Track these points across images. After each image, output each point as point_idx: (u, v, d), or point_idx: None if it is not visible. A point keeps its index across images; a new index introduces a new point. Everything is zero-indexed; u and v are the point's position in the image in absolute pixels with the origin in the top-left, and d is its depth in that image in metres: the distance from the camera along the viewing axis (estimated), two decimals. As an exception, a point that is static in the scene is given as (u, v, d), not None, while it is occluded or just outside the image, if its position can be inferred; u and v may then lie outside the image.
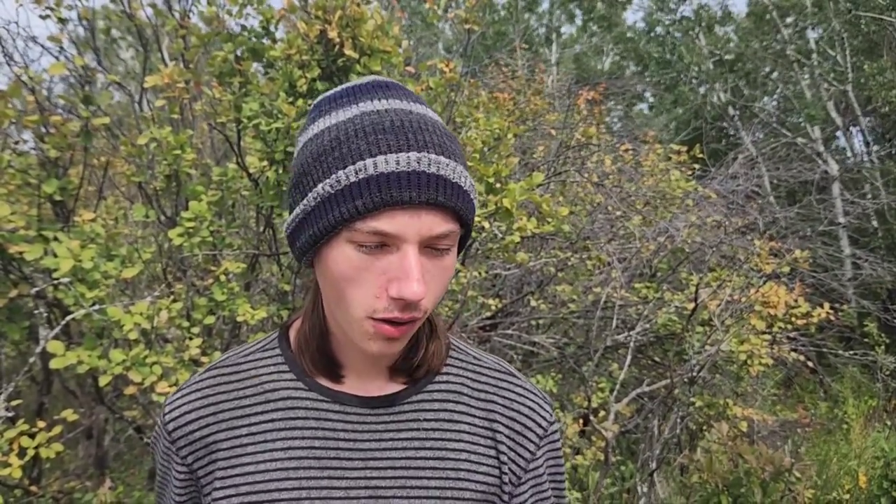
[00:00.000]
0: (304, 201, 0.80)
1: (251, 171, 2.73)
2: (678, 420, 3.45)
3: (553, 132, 4.76)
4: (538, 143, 4.92)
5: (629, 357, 3.36)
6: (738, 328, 4.03)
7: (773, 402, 7.60)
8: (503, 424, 0.95)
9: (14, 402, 2.61)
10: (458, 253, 0.87)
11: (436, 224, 0.77)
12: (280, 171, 2.67)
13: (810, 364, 5.47)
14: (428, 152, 0.76)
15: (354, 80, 0.88)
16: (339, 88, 0.87)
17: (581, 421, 4.32)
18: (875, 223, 11.33)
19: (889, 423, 6.98)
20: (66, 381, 4.14)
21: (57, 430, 2.71)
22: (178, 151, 2.49)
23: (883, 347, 8.12)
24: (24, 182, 2.56)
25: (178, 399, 0.94)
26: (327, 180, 0.77)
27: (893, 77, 9.83)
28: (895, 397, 7.75)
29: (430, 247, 0.79)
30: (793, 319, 4.28)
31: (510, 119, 4.21)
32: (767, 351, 4.16)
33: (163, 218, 2.84)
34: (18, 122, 2.48)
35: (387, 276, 0.78)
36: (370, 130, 0.77)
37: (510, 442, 0.95)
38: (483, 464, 0.93)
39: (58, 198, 2.62)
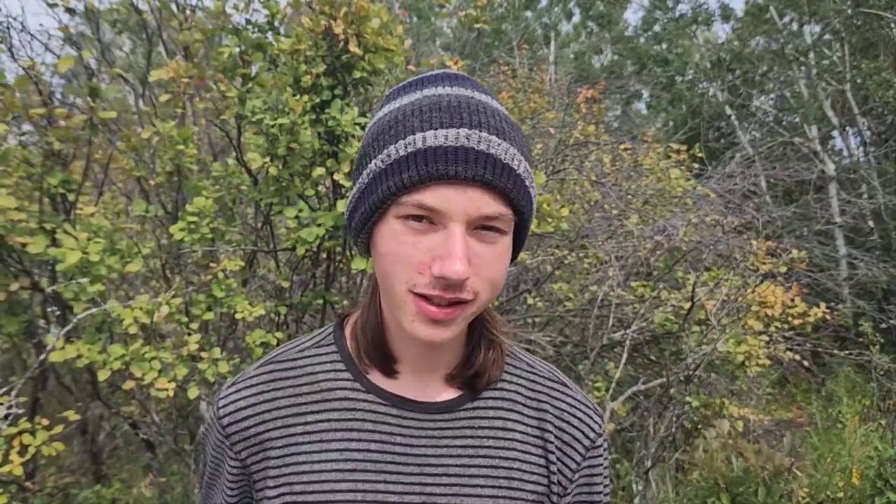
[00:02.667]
0: (360, 179, 0.82)
1: (251, 167, 2.73)
2: (674, 418, 3.47)
3: (552, 130, 4.77)
4: (537, 141, 4.92)
5: (625, 355, 3.38)
6: (734, 328, 4.04)
7: (768, 402, 7.63)
8: (553, 434, 0.96)
9: (22, 399, 2.61)
10: (517, 248, 0.86)
11: (484, 203, 0.75)
12: (281, 167, 2.68)
13: (806, 363, 5.50)
14: (480, 130, 0.75)
15: (427, 73, 0.88)
16: (411, 79, 0.87)
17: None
18: (871, 223, 11.36)
19: (883, 422, 7.01)
20: (62, 377, 4.13)
21: (58, 428, 2.72)
22: (182, 146, 2.49)
23: (878, 347, 8.15)
24: (26, 175, 2.56)
25: (233, 393, 0.94)
26: (381, 154, 0.78)
27: (891, 77, 9.85)
28: (889, 397, 7.78)
29: (480, 228, 0.78)
30: (789, 319, 4.30)
31: (513, 117, 4.21)
32: (765, 351, 4.18)
33: (161, 213, 2.84)
34: (20, 114, 2.48)
35: (431, 253, 0.77)
36: (426, 109, 0.77)
37: (559, 452, 0.96)
38: (534, 472, 0.93)
39: (60, 191, 2.62)
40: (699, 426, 3.88)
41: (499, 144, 0.75)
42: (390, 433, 0.90)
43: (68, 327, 2.48)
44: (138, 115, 2.63)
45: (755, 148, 11.32)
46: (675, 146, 6.21)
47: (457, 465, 0.91)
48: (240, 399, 0.93)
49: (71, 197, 2.77)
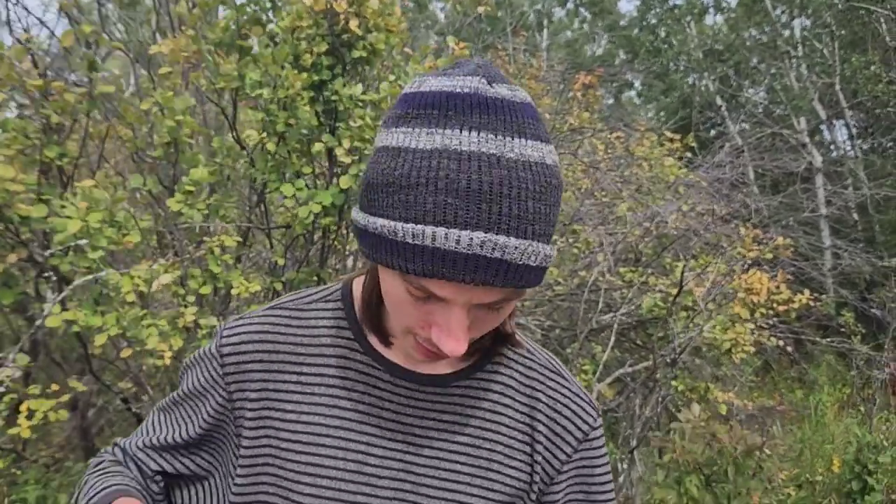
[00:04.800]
0: (366, 219, 0.76)
1: (249, 143, 2.76)
2: (659, 400, 3.54)
3: (547, 116, 4.81)
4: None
5: (612, 338, 3.44)
6: (721, 314, 4.12)
7: (751, 389, 7.75)
8: (543, 424, 0.95)
9: (22, 363, 2.64)
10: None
11: (488, 295, 0.73)
12: (278, 143, 2.70)
13: (789, 349, 5.60)
14: (496, 233, 0.68)
15: (453, 76, 0.76)
16: (432, 89, 0.75)
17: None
18: (856, 216, 11.51)
19: (862, 409, 7.15)
20: (52, 352, 4.14)
21: (65, 397, 2.75)
22: (181, 117, 2.51)
23: (859, 337, 8.29)
24: (24, 147, 2.58)
25: (238, 327, 0.94)
26: (388, 222, 0.72)
27: (880, 71, 9.95)
28: (869, 385, 7.92)
29: (482, 305, 0.76)
30: (774, 306, 4.38)
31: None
32: (751, 338, 4.26)
33: (157, 189, 2.86)
34: (17, 86, 2.49)
35: (430, 318, 0.77)
36: (442, 187, 0.68)
37: (547, 442, 0.95)
38: (516, 458, 0.93)
39: (58, 163, 2.63)
40: (681, 410, 3.97)
41: (517, 248, 0.69)
42: (380, 398, 0.91)
43: (66, 292, 2.51)
44: (136, 87, 2.64)
45: (744, 139, 11.41)
46: (668, 134, 6.26)
47: (440, 440, 0.91)
48: (243, 334, 0.94)
49: (68, 170, 2.79)
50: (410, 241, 0.69)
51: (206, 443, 0.98)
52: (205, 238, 3.03)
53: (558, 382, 0.97)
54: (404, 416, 0.91)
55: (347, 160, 2.73)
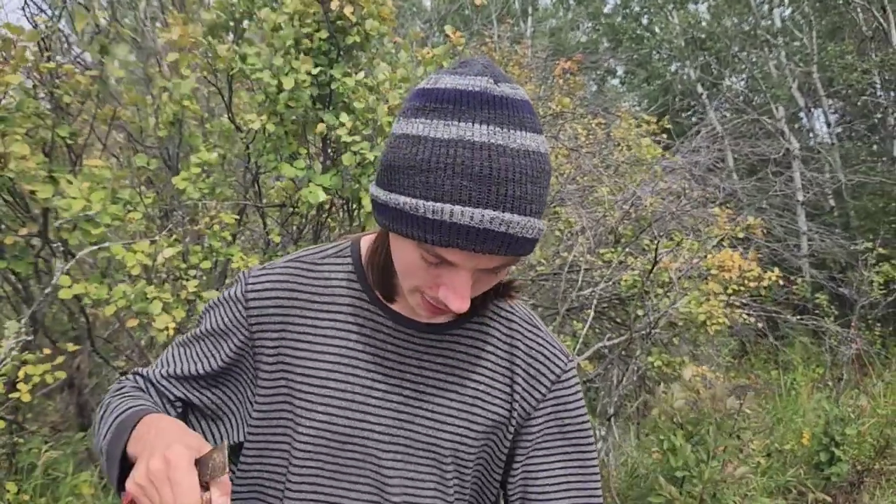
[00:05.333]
0: (387, 196, 0.88)
1: (249, 125, 2.90)
2: (635, 369, 3.75)
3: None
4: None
5: (591, 313, 3.63)
6: (695, 289, 4.33)
7: (728, 369, 7.97)
8: (522, 368, 1.09)
9: (22, 338, 2.78)
10: None
11: (492, 261, 0.88)
12: (277, 125, 2.86)
13: (762, 327, 5.82)
14: (503, 211, 0.82)
15: (464, 76, 0.88)
16: (448, 87, 0.87)
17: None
18: (832, 201, 11.79)
19: (830, 384, 7.42)
20: (49, 330, 4.25)
21: (60, 359, 2.90)
22: (187, 102, 2.65)
23: (832, 318, 8.56)
24: (34, 126, 2.71)
25: (263, 275, 1.08)
26: (409, 200, 0.84)
27: (854, 60, 10.19)
28: (836, 363, 8.20)
29: (484, 269, 0.90)
30: (745, 283, 4.60)
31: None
32: (724, 312, 4.47)
33: (161, 168, 3.01)
34: (30, 68, 2.62)
35: (439, 280, 0.91)
36: (458, 171, 0.82)
37: (525, 383, 1.08)
38: (497, 397, 1.07)
39: (69, 142, 2.77)
40: (660, 382, 4.18)
41: (519, 224, 0.83)
42: (383, 341, 1.05)
43: (72, 262, 2.64)
44: (144, 71, 2.77)
45: (724, 126, 11.65)
46: (646, 117, 6.45)
47: (433, 378, 1.05)
48: (267, 281, 1.08)
49: (77, 149, 2.93)
50: (430, 216, 0.82)
51: (225, 378, 1.11)
52: (203, 216, 3.18)
53: (535, 333, 1.12)
54: (404, 357, 1.05)
55: (349, 140, 2.88)
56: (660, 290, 4.22)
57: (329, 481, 1.04)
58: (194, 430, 1.13)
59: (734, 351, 8.88)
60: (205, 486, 0.83)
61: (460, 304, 0.89)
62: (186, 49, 2.75)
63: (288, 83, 2.54)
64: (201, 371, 1.10)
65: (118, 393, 1.11)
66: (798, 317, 7.50)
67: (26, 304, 3.65)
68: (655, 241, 3.91)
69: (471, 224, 0.81)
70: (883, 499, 5.66)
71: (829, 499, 5.15)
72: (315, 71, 2.67)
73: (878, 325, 9.18)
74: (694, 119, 12.33)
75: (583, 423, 1.13)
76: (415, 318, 1.06)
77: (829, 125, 12.62)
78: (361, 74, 2.71)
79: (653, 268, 3.83)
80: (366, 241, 1.10)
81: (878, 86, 11.19)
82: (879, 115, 11.74)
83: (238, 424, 1.12)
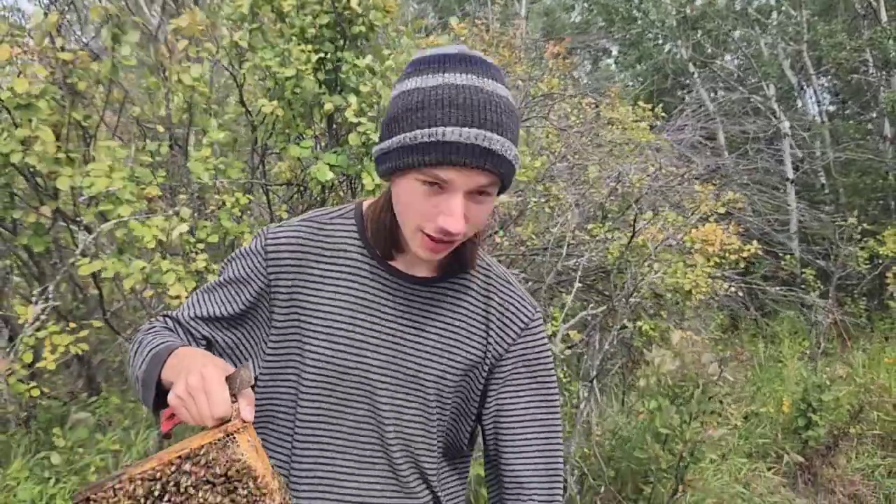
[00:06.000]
0: (390, 141, 1.09)
1: (260, 108, 3.11)
2: (616, 333, 3.99)
3: (521, 83, 5.17)
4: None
5: (576, 283, 3.86)
6: (680, 262, 4.56)
7: (716, 342, 8.21)
8: (495, 316, 1.28)
9: (49, 304, 3.00)
10: (500, 193, 1.19)
11: (481, 179, 1.06)
12: (286, 109, 3.07)
13: (743, 298, 6.04)
14: (486, 129, 1.03)
15: (445, 48, 1.11)
16: (432, 53, 1.11)
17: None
18: (823, 179, 11.97)
19: (809, 356, 7.67)
20: (60, 309, 4.45)
21: (83, 332, 3.13)
22: (202, 87, 2.86)
23: (817, 292, 8.80)
24: (52, 111, 2.91)
25: (280, 231, 1.27)
26: (408, 133, 1.05)
27: (843, 39, 10.33)
28: (826, 339, 8.46)
29: (473, 192, 1.08)
30: (727, 255, 4.84)
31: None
32: (708, 281, 4.70)
33: (171, 151, 3.22)
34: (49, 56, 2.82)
35: (438, 209, 1.08)
36: (446, 103, 1.03)
37: (498, 330, 1.28)
38: (474, 340, 1.27)
39: (84, 125, 2.98)
40: (643, 352, 4.41)
41: (498, 141, 1.03)
42: (380, 290, 1.24)
43: (93, 235, 2.85)
44: (154, 57, 2.97)
45: (715, 105, 11.81)
46: (642, 104, 6.62)
47: (420, 323, 1.25)
48: (283, 237, 1.26)
49: (91, 130, 3.14)
50: (426, 139, 1.03)
51: (243, 321, 1.29)
52: (216, 196, 3.40)
53: (508, 287, 1.32)
54: (397, 305, 1.25)
55: (355, 120, 3.09)
56: (642, 263, 4.44)
57: (333, 405, 1.24)
58: None
59: (723, 325, 9.12)
60: (234, 398, 1.04)
61: (457, 225, 1.07)
62: (196, 37, 2.94)
63: (289, 72, 2.75)
64: (224, 313, 1.28)
65: (150, 331, 1.28)
66: (777, 288, 7.73)
67: (38, 281, 3.87)
68: (635, 214, 4.13)
69: (460, 140, 1.02)
70: (857, 461, 5.94)
71: (802, 459, 5.42)
72: (320, 56, 2.88)
73: (864, 298, 9.44)
74: (686, 99, 12.48)
75: (547, 365, 1.34)
76: (408, 273, 1.25)
77: (818, 103, 12.78)
78: (369, 58, 2.93)
79: (631, 238, 4.05)
80: (367, 205, 1.30)
81: (871, 63, 11.33)
82: (871, 94, 11.88)
83: (253, 361, 1.31)
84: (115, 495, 0.98)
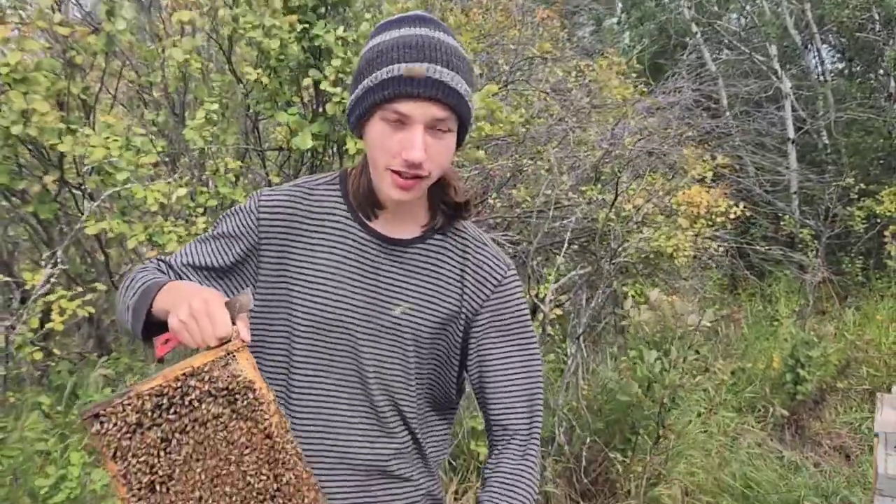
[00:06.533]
0: (356, 91, 1.24)
1: (248, 78, 3.22)
2: (603, 294, 4.14)
3: (512, 46, 5.24)
4: (499, 57, 5.39)
5: (566, 244, 3.99)
6: (664, 225, 4.69)
7: (714, 302, 8.35)
8: (470, 273, 1.38)
9: (59, 268, 3.15)
10: (460, 143, 1.31)
11: (437, 111, 1.19)
12: (272, 76, 3.18)
13: (737, 262, 6.15)
14: (436, 64, 1.17)
15: (404, 14, 1.29)
16: (394, 17, 1.27)
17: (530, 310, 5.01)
18: (825, 139, 11.97)
19: (800, 315, 7.80)
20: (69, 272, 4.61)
21: (90, 295, 3.29)
22: (190, 56, 2.97)
23: (814, 252, 8.92)
24: (51, 84, 3.04)
25: (272, 195, 1.38)
26: (370, 77, 1.20)
27: (847, -3, 10.23)
28: (821, 300, 8.59)
29: (433, 128, 1.20)
30: (714, 217, 4.95)
31: (472, 34, 4.68)
32: (692, 244, 4.83)
33: (169, 120, 3.35)
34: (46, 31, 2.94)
35: (401, 145, 1.20)
36: (401, 45, 1.19)
37: (473, 286, 1.38)
38: (449, 295, 1.37)
39: (82, 97, 3.11)
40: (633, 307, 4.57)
41: (447, 74, 1.17)
42: (363, 250, 1.35)
43: (98, 201, 2.99)
44: (148, 29, 3.08)
45: (717, 65, 11.76)
46: (615, 58, 6.61)
47: (401, 281, 1.35)
48: (275, 198, 1.37)
49: (89, 103, 3.27)
50: (386, 76, 1.17)
51: (231, 274, 1.38)
52: (208, 161, 3.53)
53: (482, 248, 1.42)
54: (378, 263, 1.36)
55: (332, 91, 3.20)
56: (627, 224, 4.56)
57: (321, 355, 1.36)
58: None
59: (722, 285, 9.25)
60: (232, 322, 1.15)
61: (418, 154, 1.19)
62: (188, 7, 3.05)
63: (274, 44, 2.86)
64: (214, 264, 1.38)
65: (143, 270, 1.39)
66: (768, 247, 7.84)
67: (47, 246, 4.03)
68: (617, 177, 4.24)
69: (414, 73, 1.16)
70: (844, 415, 6.13)
71: (786, 413, 5.59)
72: (301, 27, 2.98)
73: (861, 258, 9.53)
74: (689, 60, 12.43)
75: (522, 316, 1.44)
76: (388, 235, 1.36)
77: (821, 62, 12.70)
78: (341, 29, 3.03)
79: (614, 202, 4.17)
80: (351, 175, 1.40)
81: (877, 21, 11.22)
82: (877, 52, 11.78)
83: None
84: (124, 410, 1.09)
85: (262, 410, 1.13)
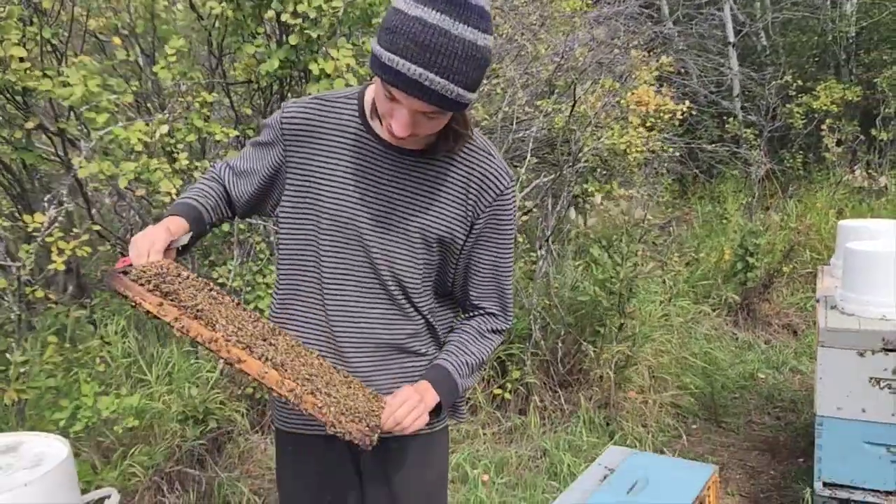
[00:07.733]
0: (375, 48, 1.30)
1: (210, 11, 3.31)
2: (566, 194, 4.42)
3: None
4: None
5: (529, 155, 4.23)
6: (616, 125, 4.95)
7: (666, 206, 8.73)
8: (475, 182, 1.52)
9: (60, 208, 3.26)
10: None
11: (421, 106, 1.29)
12: (235, 10, 3.28)
13: (687, 162, 6.44)
14: (430, 70, 1.23)
15: None
16: None
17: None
18: (764, 41, 12.28)
19: (747, 208, 8.24)
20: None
21: (85, 236, 3.42)
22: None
23: (758, 150, 9.33)
24: (21, 30, 3.09)
25: (295, 106, 1.56)
26: (381, 49, 1.27)
27: None
28: (766, 195, 9.05)
29: (422, 112, 1.31)
30: (661, 116, 5.24)
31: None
32: (643, 140, 5.11)
33: (140, 58, 3.43)
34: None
35: (392, 113, 1.34)
36: (411, 37, 1.23)
37: (477, 193, 1.53)
38: (455, 200, 1.53)
39: (54, 42, 3.17)
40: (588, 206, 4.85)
41: (439, 82, 1.24)
42: (376, 159, 1.51)
43: (92, 143, 3.11)
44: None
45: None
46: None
47: (410, 187, 1.51)
48: (297, 111, 1.55)
49: (61, 47, 3.33)
50: (387, 63, 1.27)
51: (271, 178, 1.61)
52: (179, 98, 3.64)
53: (488, 158, 1.55)
54: (390, 173, 1.52)
55: (293, 22, 3.32)
56: (585, 128, 4.81)
57: (340, 250, 1.56)
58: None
59: (672, 190, 9.64)
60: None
61: (399, 130, 1.34)
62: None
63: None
64: (257, 168, 1.63)
65: (203, 177, 1.72)
66: (714, 145, 8.22)
67: (20, 199, 4.09)
68: (573, 82, 4.46)
69: (406, 73, 1.25)
70: (791, 297, 6.63)
71: (738, 298, 6.05)
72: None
73: (801, 152, 10.01)
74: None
75: (511, 224, 1.64)
76: (400, 146, 1.50)
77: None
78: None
79: (573, 107, 4.41)
80: (369, 90, 1.54)
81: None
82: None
83: (275, 201, 1.64)
84: (145, 270, 1.38)
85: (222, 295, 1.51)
